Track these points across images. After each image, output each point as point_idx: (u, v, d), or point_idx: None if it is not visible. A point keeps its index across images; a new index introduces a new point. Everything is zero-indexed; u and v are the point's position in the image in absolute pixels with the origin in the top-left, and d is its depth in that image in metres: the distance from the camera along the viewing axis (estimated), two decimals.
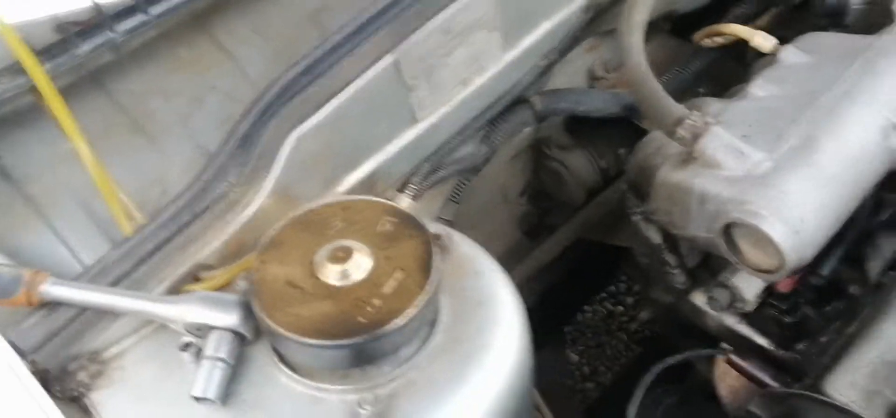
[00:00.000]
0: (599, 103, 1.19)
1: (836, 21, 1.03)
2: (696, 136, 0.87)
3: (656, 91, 0.91)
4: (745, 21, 1.22)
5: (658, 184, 0.94)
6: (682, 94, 1.22)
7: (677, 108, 0.90)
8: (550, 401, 1.47)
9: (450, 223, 1.25)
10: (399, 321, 0.74)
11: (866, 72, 0.91)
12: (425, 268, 0.79)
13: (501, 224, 1.49)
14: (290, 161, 0.91)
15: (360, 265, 0.78)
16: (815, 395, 0.86)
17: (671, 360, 1.10)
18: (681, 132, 0.88)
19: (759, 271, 0.89)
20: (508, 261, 1.48)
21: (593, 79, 1.33)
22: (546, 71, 1.12)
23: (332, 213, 0.83)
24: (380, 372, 0.77)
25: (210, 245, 0.84)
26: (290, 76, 0.92)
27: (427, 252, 0.80)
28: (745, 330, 1.07)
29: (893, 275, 0.95)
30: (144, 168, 1.07)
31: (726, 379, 1.09)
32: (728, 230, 0.87)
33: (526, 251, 1.52)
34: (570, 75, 1.26)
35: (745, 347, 1.07)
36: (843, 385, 0.85)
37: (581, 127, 1.35)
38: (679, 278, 1.09)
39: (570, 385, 2.03)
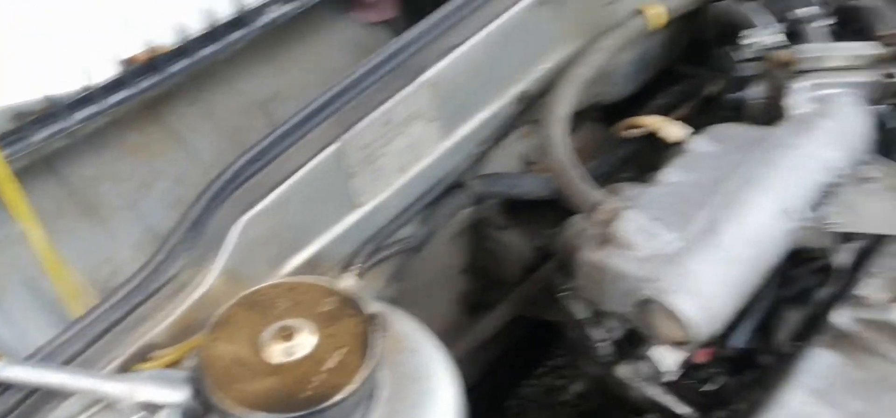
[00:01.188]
0: (532, 187, 1.27)
1: (739, 113, 1.14)
2: (612, 220, 0.96)
3: (576, 179, 1.00)
4: (666, 111, 1.33)
5: (580, 263, 1.01)
6: (608, 178, 1.32)
7: (594, 194, 0.98)
8: None
9: (392, 301, 1.31)
10: (340, 395, 0.79)
11: (763, 161, 1.00)
12: (365, 345, 0.84)
13: (443, 301, 1.55)
14: (238, 245, 0.96)
15: (304, 343, 0.83)
16: None
17: None
18: (598, 216, 0.97)
19: (672, 344, 0.96)
20: (450, 338, 1.55)
21: (528, 163, 1.42)
22: (481, 157, 1.20)
23: (278, 294, 0.88)
24: None
25: (160, 325, 0.88)
26: (239, 163, 0.97)
27: (367, 330, 0.85)
28: (668, 400, 1.14)
29: (798, 345, 1.02)
30: (94, 249, 1.11)
31: None
32: (643, 306, 0.95)
33: (467, 327, 1.58)
34: (506, 159, 1.34)
35: (668, 416, 1.14)
36: None
37: (517, 208, 1.42)
38: (605, 351, 1.16)
39: None
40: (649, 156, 1.23)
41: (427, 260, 1.38)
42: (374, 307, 0.92)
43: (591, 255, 1.01)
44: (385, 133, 1.04)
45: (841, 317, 0.99)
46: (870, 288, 0.99)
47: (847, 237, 1.03)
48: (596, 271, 1.00)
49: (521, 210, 1.42)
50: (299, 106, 1.01)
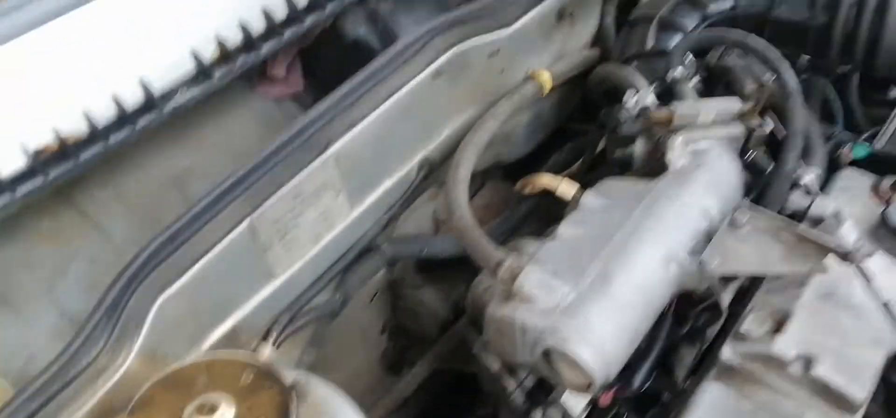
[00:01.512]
0: (442, 246, 1.33)
1: (626, 168, 1.23)
2: (514, 276, 1.02)
3: (479, 238, 1.06)
4: (563, 167, 1.42)
5: (488, 319, 1.07)
6: (513, 232, 1.40)
7: (497, 253, 1.05)
8: None
9: (312, 367, 1.34)
10: None
11: (647, 213, 1.09)
12: (284, 414, 0.88)
13: (364, 362, 1.58)
14: (155, 325, 0.98)
15: (225, 417, 0.86)
16: None
17: None
18: (501, 273, 1.03)
19: (576, 389, 1.03)
20: (372, 397, 1.58)
21: (438, 222, 1.48)
22: (391, 222, 1.25)
23: (197, 371, 0.91)
24: None
25: (80, 411, 0.89)
26: (154, 245, 1.00)
27: (285, 400, 0.89)
28: None
29: (694, 380, 1.10)
30: (9, 339, 1.11)
31: None
32: (546, 356, 1.01)
33: (389, 386, 1.61)
34: (418, 220, 1.40)
35: None
36: None
37: (432, 266, 1.48)
38: (519, 400, 1.22)
39: None
40: (551, 209, 1.31)
41: (346, 323, 1.43)
42: (291, 376, 0.96)
43: (498, 311, 1.07)
44: (296, 206, 1.09)
45: (727, 352, 1.07)
46: (750, 323, 1.08)
47: (731, 277, 1.13)
48: (503, 325, 1.06)
49: (436, 268, 1.48)
50: (212, 184, 1.05)
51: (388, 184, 1.22)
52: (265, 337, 1.16)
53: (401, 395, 1.56)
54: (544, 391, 1.22)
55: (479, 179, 1.50)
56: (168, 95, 1.12)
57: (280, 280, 1.14)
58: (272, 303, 1.15)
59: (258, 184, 1.06)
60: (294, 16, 1.20)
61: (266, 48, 1.19)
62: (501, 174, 1.51)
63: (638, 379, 1.13)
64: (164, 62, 1.12)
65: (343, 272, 1.26)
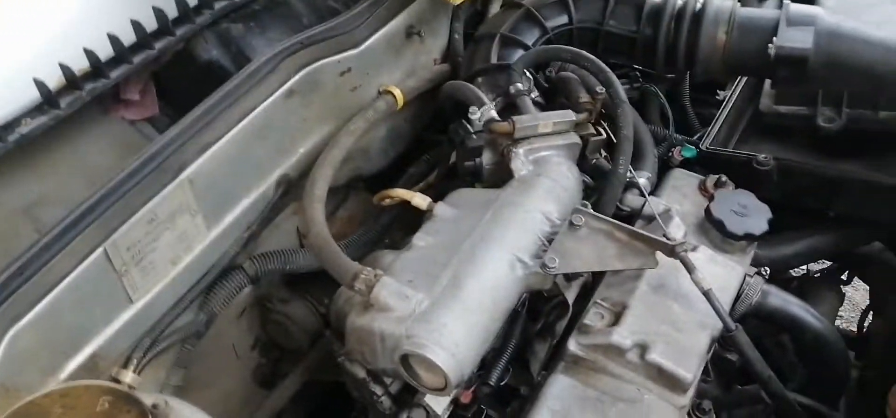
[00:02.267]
0: (306, 261, 1.36)
1: (475, 179, 1.30)
2: (370, 287, 1.07)
3: (335, 253, 1.10)
4: (421, 178, 1.48)
5: (348, 329, 1.11)
6: (374, 244, 1.44)
7: (353, 266, 1.09)
8: None
9: (181, 388, 1.34)
10: None
11: (495, 220, 1.16)
12: None
13: (236, 379, 1.58)
14: (6, 358, 0.97)
15: None
16: None
17: None
18: (357, 285, 1.07)
19: (434, 389, 1.08)
20: (248, 413, 1.59)
21: (303, 236, 1.50)
22: (251, 239, 1.27)
23: (51, 402, 0.90)
24: None
25: None
26: (3, 277, 0.99)
27: None
28: None
29: (545, 374, 1.18)
30: None
31: None
32: (404, 361, 1.06)
33: (264, 400, 1.62)
34: (282, 236, 1.42)
35: None
36: None
37: (298, 280, 1.50)
38: (386, 404, 1.26)
39: None
40: (414, 218, 1.35)
41: (215, 341, 1.43)
42: (151, 399, 0.97)
43: (358, 321, 1.11)
44: (151, 230, 1.09)
45: (572, 345, 1.15)
46: (592, 317, 1.17)
47: (574, 276, 1.21)
48: (362, 334, 1.10)
49: (303, 281, 1.50)
50: (64, 212, 1.04)
51: (245, 203, 1.24)
52: (126, 364, 1.15)
53: (273, 409, 1.57)
54: (409, 393, 1.27)
55: (343, 192, 1.53)
56: (11, 125, 1.10)
57: (139, 305, 1.13)
58: (132, 329, 1.14)
59: (111, 211, 1.06)
60: (143, 41, 1.20)
61: (115, 74, 1.18)
62: (364, 187, 1.55)
63: (494, 376, 1.19)
64: (6, 92, 1.10)
65: (205, 292, 1.26)
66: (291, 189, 1.29)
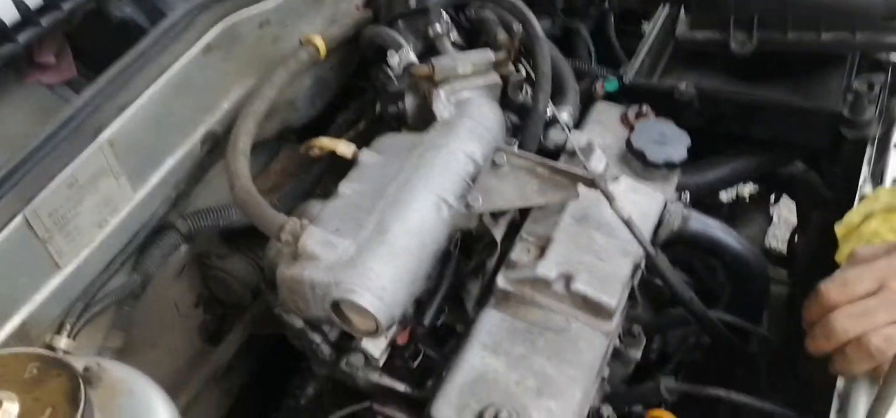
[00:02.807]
0: (239, 216, 1.36)
1: (401, 123, 1.31)
2: (296, 237, 1.08)
3: (260, 206, 1.11)
4: (349, 127, 1.48)
5: (279, 281, 1.13)
6: (307, 196, 1.45)
7: (279, 218, 1.09)
8: None
9: (121, 350, 1.35)
10: None
11: (419, 163, 1.17)
12: (74, 400, 0.89)
13: (181, 337, 1.59)
14: None
15: (9, 412, 0.86)
16: None
17: None
18: (284, 236, 1.08)
19: (367, 333, 1.11)
20: (193, 369, 1.60)
21: None
22: (180, 198, 1.27)
23: None
24: None
25: None
26: None
27: (74, 386, 0.90)
28: (387, 381, 1.27)
29: (476, 311, 1.21)
30: None
31: None
32: (335, 307, 1.08)
33: (210, 356, 1.64)
34: (214, 192, 1.41)
35: (391, 395, 1.29)
36: (443, 407, 1.07)
37: (236, 235, 1.51)
38: (325, 352, 1.28)
39: None
40: (346, 168, 1.36)
41: (156, 301, 1.44)
42: (82, 363, 0.98)
43: (288, 271, 1.12)
44: (72, 195, 1.09)
45: (500, 280, 1.18)
46: (518, 252, 1.20)
47: (500, 213, 1.23)
48: (293, 285, 1.12)
49: (242, 236, 1.51)
50: None
51: (171, 162, 1.24)
52: (59, 330, 1.15)
53: (218, 364, 1.59)
54: (349, 339, 1.29)
55: (274, 146, 1.53)
56: None
57: (67, 270, 1.13)
58: (62, 295, 1.14)
59: (29, 178, 1.05)
60: (51, 2, 1.18)
61: (24, 37, 1.16)
62: (295, 139, 1.55)
63: (428, 316, 1.22)
64: None
65: (138, 253, 1.26)
66: (218, 145, 1.29)
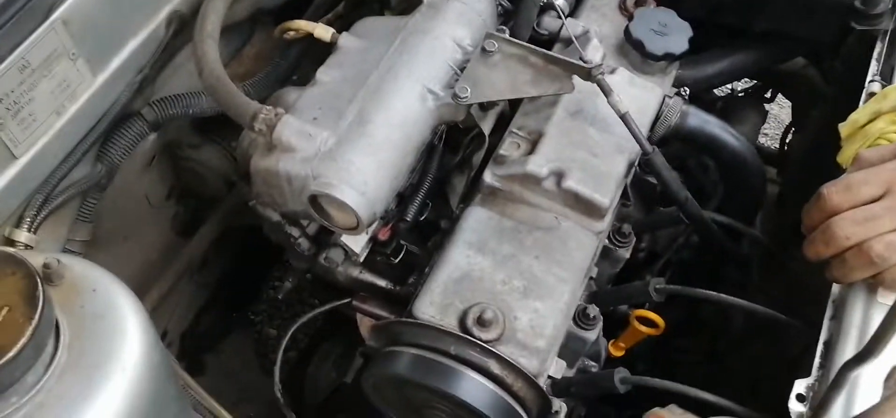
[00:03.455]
0: (209, 103, 1.28)
1: (384, 6, 1.22)
2: (271, 127, 1.01)
3: (231, 93, 1.03)
4: (328, 8, 1.39)
5: (253, 173, 1.06)
6: (284, 82, 1.37)
7: (252, 106, 1.02)
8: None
9: (90, 243, 1.29)
10: (11, 353, 0.79)
11: (403, 49, 1.09)
12: (31, 298, 0.83)
13: (154, 229, 1.54)
14: None
15: None
16: (404, 319, 1.04)
17: (306, 317, 1.25)
18: (257, 125, 1.01)
19: (346, 229, 1.05)
20: (167, 263, 1.55)
21: None
22: (145, 83, 1.18)
23: None
24: (8, 403, 0.81)
25: None
26: None
27: (32, 284, 0.84)
28: (367, 277, 1.24)
29: (462, 207, 1.15)
30: None
31: (365, 322, 1.26)
32: (313, 201, 1.02)
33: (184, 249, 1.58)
34: (184, 77, 1.32)
35: (372, 291, 1.25)
36: (425, 305, 1.03)
37: (209, 124, 1.43)
38: (304, 245, 1.23)
39: (273, 358, 2.14)
40: (324, 52, 1.28)
41: (125, 193, 1.37)
42: (41, 258, 0.92)
43: (262, 163, 1.05)
44: (25, 79, 1.00)
45: (488, 176, 1.12)
46: (508, 146, 1.13)
47: (489, 105, 1.17)
48: (268, 177, 1.05)
49: (214, 125, 1.43)
50: None
51: (133, 44, 1.15)
52: (18, 223, 1.09)
53: (191, 258, 1.54)
54: (327, 233, 1.24)
55: (248, 28, 1.44)
56: None
57: (23, 160, 1.06)
58: (20, 186, 1.07)
59: None
60: None
61: None
62: (271, 21, 1.45)
63: (411, 212, 1.16)
64: None
65: (102, 142, 1.19)
66: (185, 27, 1.20)
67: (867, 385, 0.88)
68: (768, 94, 1.77)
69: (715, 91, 1.74)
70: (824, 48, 1.43)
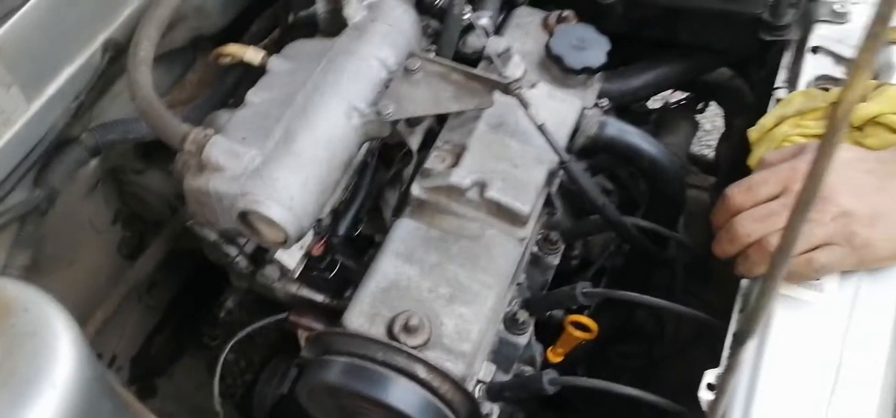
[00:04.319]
0: (148, 129, 1.31)
1: (314, 29, 1.26)
2: (200, 147, 1.04)
3: (163, 117, 1.06)
4: (263, 36, 1.43)
5: (186, 192, 1.09)
6: (222, 106, 1.40)
7: (182, 128, 1.06)
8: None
9: (31, 268, 1.31)
10: None
11: (329, 69, 1.13)
12: None
13: (101, 254, 1.56)
14: None
15: None
16: (335, 329, 1.08)
17: (241, 334, 1.28)
18: (187, 146, 1.05)
19: (276, 244, 1.09)
20: (113, 286, 1.57)
21: None
22: (82, 109, 1.21)
23: None
24: None
25: None
26: None
27: None
28: (305, 292, 1.27)
29: (392, 220, 1.20)
30: None
31: (304, 337, 1.29)
32: (244, 218, 1.06)
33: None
34: (123, 103, 1.35)
35: (310, 306, 1.28)
36: (354, 314, 1.07)
37: (153, 148, 1.46)
38: (242, 264, 1.27)
39: (230, 382, 2.15)
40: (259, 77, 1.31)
41: (68, 219, 1.39)
42: None
43: (194, 183, 1.09)
44: None
45: (415, 188, 1.17)
46: (433, 160, 1.18)
47: (416, 121, 1.21)
48: (200, 196, 1.09)
49: (158, 149, 1.46)
50: None
51: (69, 71, 1.18)
52: None
53: (136, 279, 1.56)
54: (264, 251, 1.27)
55: (190, 55, 1.47)
56: None
57: None
58: None
59: None
60: None
61: None
62: (212, 47, 1.49)
63: (343, 226, 1.21)
64: None
65: (40, 168, 1.22)
66: (121, 54, 1.23)
67: (768, 368, 0.93)
68: (700, 105, 1.84)
69: (649, 103, 1.81)
70: (750, 59, 1.50)
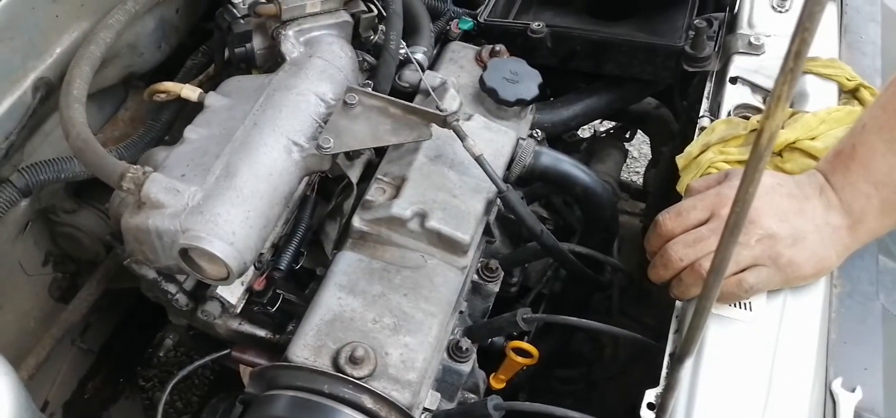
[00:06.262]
0: (80, 167, 1.29)
1: (250, 65, 1.27)
2: (139, 185, 1.04)
3: (99, 155, 1.05)
4: (197, 73, 1.43)
5: (124, 230, 1.08)
6: (157, 143, 1.39)
7: (119, 166, 1.05)
8: None
9: None
10: None
11: (267, 105, 1.15)
12: None
13: (31, 297, 1.52)
14: None
15: None
16: (280, 363, 1.08)
17: (183, 372, 1.26)
18: (126, 184, 1.04)
19: (218, 280, 1.08)
20: (45, 330, 1.53)
21: None
22: (13, 150, 1.19)
23: None
24: None
25: None
26: None
27: None
28: (246, 328, 1.26)
29: (334, 253, 1.20)
30: None
31: (247, 373, 1.28)
32: (184, 255, 1.05)
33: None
34: (55, 143, 1.33)
35: (252, 342, 1.27)
36: (299, 348, 1.07)
37: (85, 187, 1.44)
38: (182, 301, 1.25)
39: None
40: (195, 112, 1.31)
41: None
42: None
43: (132, 221, 1.08)
44: None
45: (356, 221, 1.18)
46: (374, 192, 1.20)
47: (354, 154, 1.23)
48: (139, 234, 1.08)
49: (89, 188, 1.44)
50: None
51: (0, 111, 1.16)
52: None
53: (70, 321, 1.52)
54: (204, 287, 1.26)
55: (122, 92, 1.46)
56: None
57: None
58: None
59: None
60: None
61: None
62: (144, 85, 1.48)
63: (284, 260, 1.21)
64: None
65: None
66: (52, 93, 1.21)
67: (705, 385, 0.97)
68: (628, 134, 1.90)
69: (580, 133, 1.87)
70: (673, 89, 1.57)
